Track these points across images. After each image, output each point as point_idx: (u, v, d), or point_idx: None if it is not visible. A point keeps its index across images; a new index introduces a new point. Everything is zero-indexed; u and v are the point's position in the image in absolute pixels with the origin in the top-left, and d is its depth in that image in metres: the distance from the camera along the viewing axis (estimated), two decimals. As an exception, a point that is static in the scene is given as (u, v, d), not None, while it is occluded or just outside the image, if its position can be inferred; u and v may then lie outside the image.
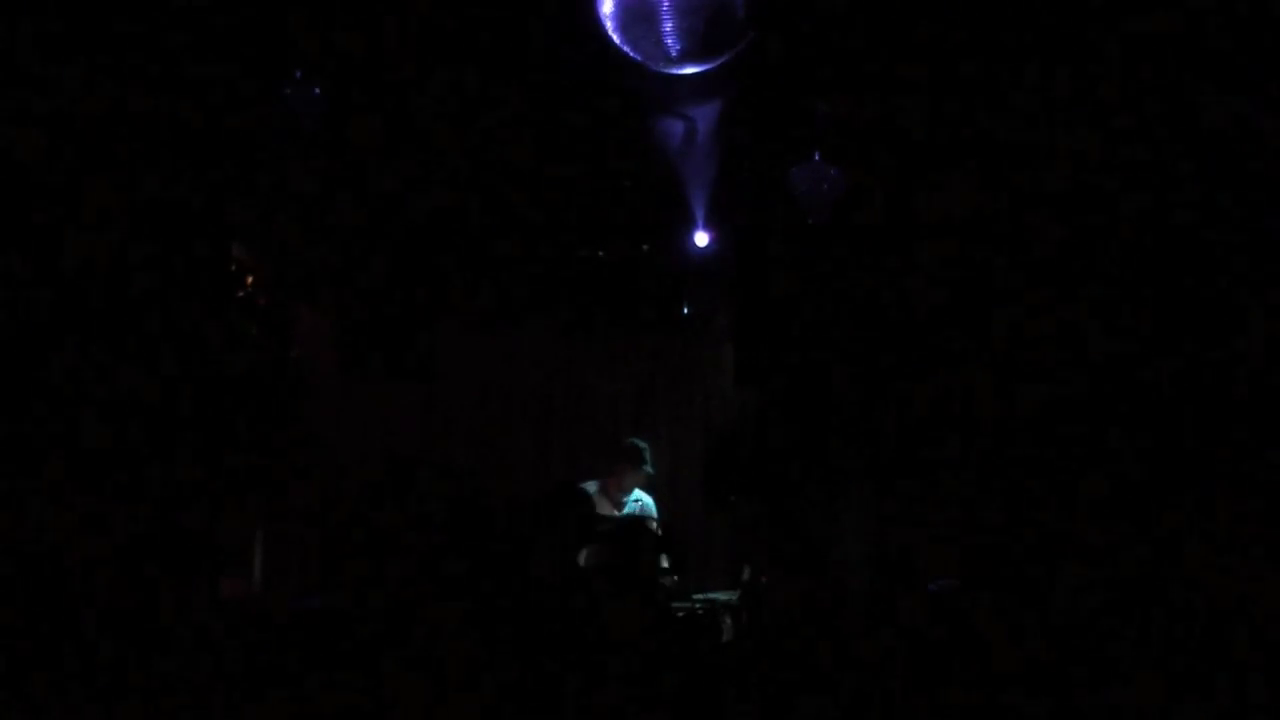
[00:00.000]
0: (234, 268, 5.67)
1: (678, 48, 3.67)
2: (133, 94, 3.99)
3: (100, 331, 3.76)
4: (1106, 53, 4.66)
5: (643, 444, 6.47)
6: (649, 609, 3.51)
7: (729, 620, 5.85)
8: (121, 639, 3.52)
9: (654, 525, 6.19)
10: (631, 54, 3.77)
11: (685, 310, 7.82)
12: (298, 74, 4.72)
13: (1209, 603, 4.37)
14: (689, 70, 3.84)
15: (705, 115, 5.83)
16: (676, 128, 6.01)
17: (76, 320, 3.70)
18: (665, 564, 5.74)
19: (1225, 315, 4.65)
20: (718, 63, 3.83)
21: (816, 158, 5.54)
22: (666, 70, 3.84)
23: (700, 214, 6.75)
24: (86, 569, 3.52)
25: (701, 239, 6.95)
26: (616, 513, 6.25)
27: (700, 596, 6.19)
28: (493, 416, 7.88)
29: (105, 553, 3.59)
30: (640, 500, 6.45)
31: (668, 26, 3.62)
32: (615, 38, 3.75)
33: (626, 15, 3.66)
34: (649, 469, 6.41)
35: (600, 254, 7.40)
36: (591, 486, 5.96)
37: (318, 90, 4.78)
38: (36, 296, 3.61)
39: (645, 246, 7.38)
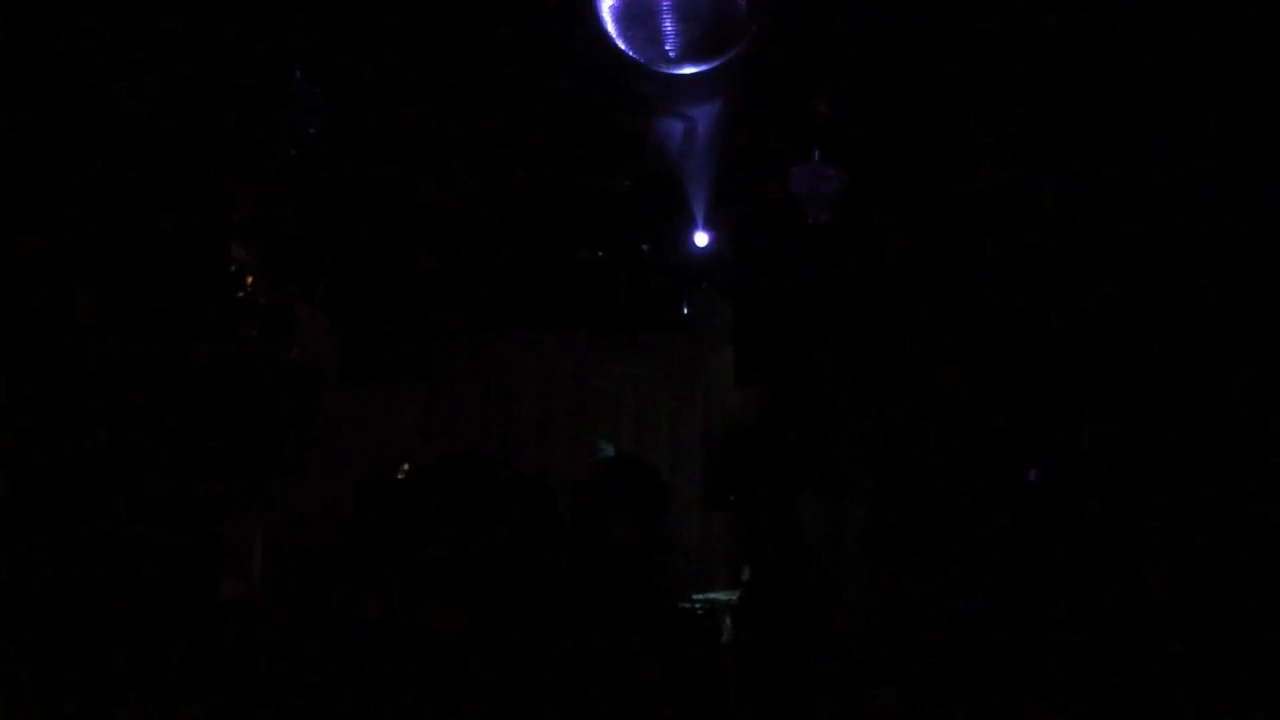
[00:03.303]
0: (234, 268, 5.67)
1: (678, 48, 3.66)
2: (132, 93, 3.99)
3: (99, 331, 3.76)
4: (1113, 54, 4.66)
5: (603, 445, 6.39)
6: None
7: (729, 620, 5.85)
8: (121, 640, 3.52)
9: None
10: (631, 54, 3.76)
11: (685, 310, 7.82)
12: (298, 74, 4.72)
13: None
14: (689, 70, 3.83)
15: (705, 115, 5.83)
16: (676, 128, 6.00)
17: (75, 320, 3.70)
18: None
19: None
20: (718, 63, 3.82)
21: (816, 158, 5.54)
22: (666, 70, 3.83)
23: (700, 214, 6.75)
24: (85, 570, 3.52)
25: (701, 239, 6.95)
26: None
27: (700, 596, 6.19)
28: (493, 416, 7.89)
29: (104, 553, 3.58)
30: None
31: (668, 27, 3.62)
32: (615, 37, 3.75)
33: (626, 15, 3.65)
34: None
35: (600, 254, 7.39)
36: None
37: (318, 90, 4.77)
38: (35, 297, 3.61)
39: (645, 246, 7.37)
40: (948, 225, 6.17)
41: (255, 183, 5.46)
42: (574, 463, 6.63)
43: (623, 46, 3.74)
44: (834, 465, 7.23)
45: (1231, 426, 4.53)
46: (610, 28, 3.70)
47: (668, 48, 3.67)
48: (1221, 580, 4.41)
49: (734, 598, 6.06)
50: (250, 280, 5.85)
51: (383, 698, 3.91)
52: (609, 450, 6.49)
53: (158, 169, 4.11)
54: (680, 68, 3.79)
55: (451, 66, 5.18)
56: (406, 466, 6.17)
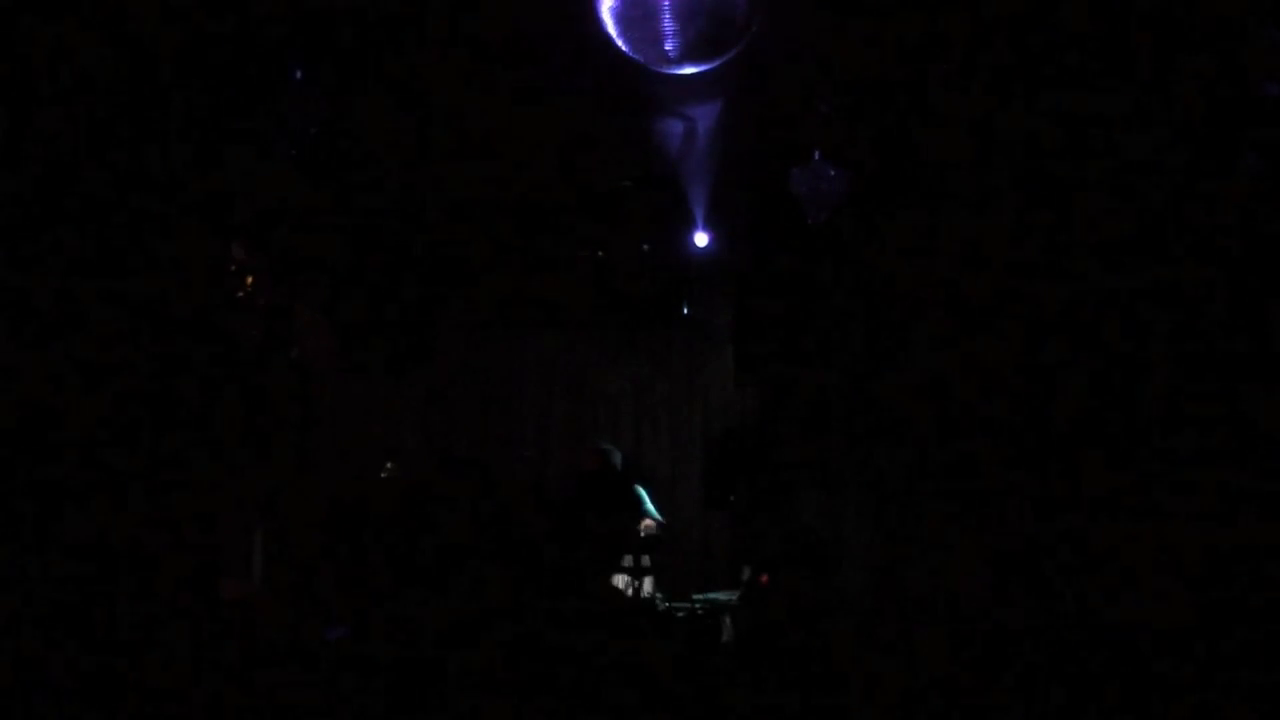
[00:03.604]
0: (234, 268, 5.67)
1: (678, 48, 3.67)
2: (132, 93, 3.99)
3: (99, 332, 3.76)
4: (1117, 51, 4.66)
5: (608, 448, 6.62)
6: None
7: (729, 620, 5.87)
8: (120, 640, 3.52)
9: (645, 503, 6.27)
10: (631, 54, 3.76)
11: (685, 310, 7.83)
12: (297, 74, 4.72)
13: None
14: (689, 70, 3.84)
15: (705, 115, 5.83)
16: (676, 128, 6.01)
17: (74, 320, 3.70)
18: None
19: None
20: (718, 63, 3.83)
21: (816, 158, 5.54)
22: (666, 70, 3.83)
23: (700, 214, 6.76)
24: (84, 570, 3.52)
25: (701, 239, 6.96)
26: None
27: (700, 596, 6.20)
28: (493, 417, 7.89)
29: (103, 554, 3.58)
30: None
31: (668, 27, 3.62)
32: (615, 37, 3.75)
33: (626, 15, 3.66)
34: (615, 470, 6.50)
35: (600, 254, 7.40)
36: None
37: (318, 90, 4.78)
38: (34, 297, 3.61)
39: (645, 246, 7.38)
40: (948, 225, 6.17)
41: (256, 182, 5.46)
42: (579, 462, 6.70)
43: (623, 46, 3.74)
44: (834, 465, 7.23)
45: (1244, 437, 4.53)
46: (610, 28, 3.70)
47: (668, 48, 3.67)
48: (1221, 580, 4.41)
49: (734, 598, 6.07)
50: (250, 280, 5.85)
51: (379, 695, 3.92)
52: (615, 453, 6.55)
53: (157, 168, 4.11)
54: (680, 68, 3.79)
55: (452, 67, 5.18)
56: (390, 465, 6.21)
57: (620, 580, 6.08)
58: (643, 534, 6.08)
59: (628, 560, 6.06)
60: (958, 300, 6.32)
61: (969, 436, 6.15)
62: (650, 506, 6.36)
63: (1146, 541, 4.73)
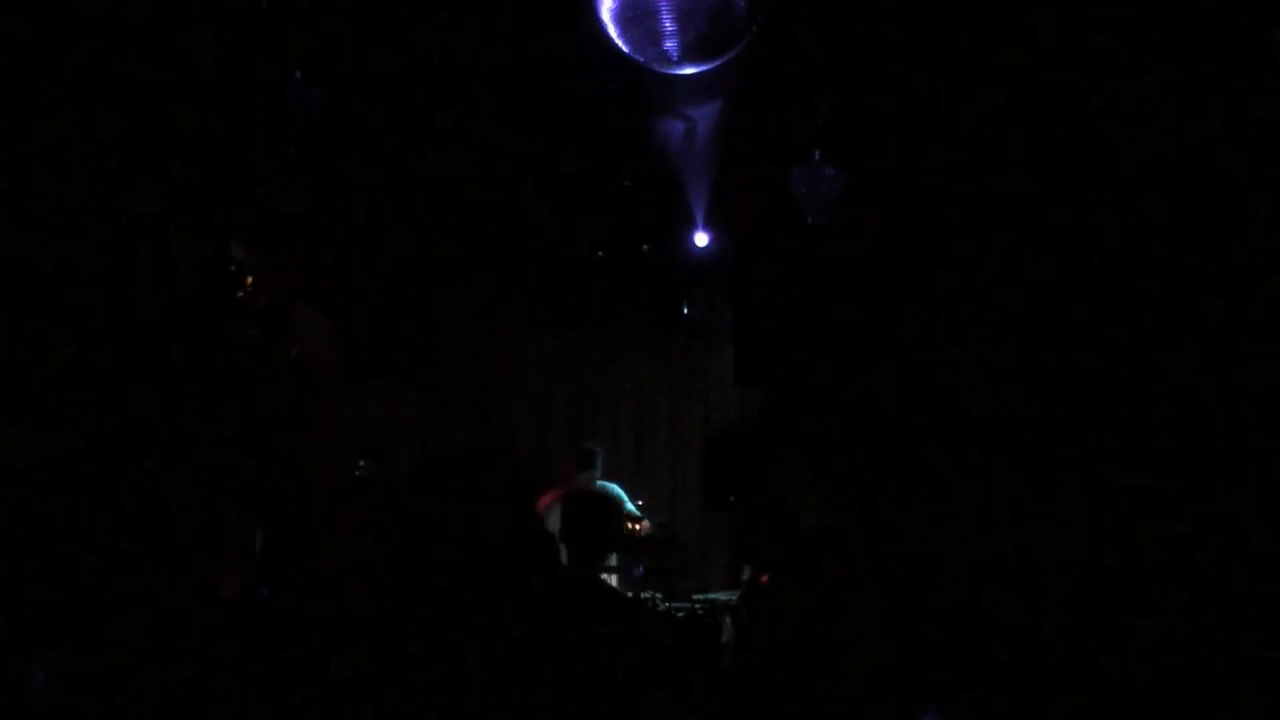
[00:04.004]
0: (234, 268, 5.67)
1: (678, 48, 3.67)
2: (133, 94, 3.99)
3: (100, 332, 3.77)
4: (1112, 51, 4.66)
5: (596, 449, 6.55)
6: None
7: (729, 620, 5.86)
8: (120, 639, 3.53)
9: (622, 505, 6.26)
10: (632, 54, 3.77)
11: (685, 310, 7.83)
12: (297, 74, 4.72)
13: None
14: (689, 70, 3.84)
15: (705, 115, 5.83)
16: (676, 128, 6.01)
17: (75, 321, 3.70)
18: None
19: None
20: (718, 63, 3.83)
21: (816, 158, 5.54)
22: (667, 70, 3.84)
23: (700, 214, 6.76)
24: (85, 569, 3.52)
25: (701, 239, 6.96)
26: None
27: (700, 596, 6.20)
28: (493, 417, 7.89)
29: (105, 552, 3.59)
30: (605, 486, 6.49)
31: (667, 26, 3.62)
32: (615, 37, 3.75)
33: (626, 15, 3.66)
34: (596, 474, 6.45)
35: (600, 254, 7.40)
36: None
37: (318, 90, 4.78)
38: (35, 298, 3.62)
39: (645, 246, 7.38)
40: (949, 225, 6.18)
41: (255, 182, 5.46)
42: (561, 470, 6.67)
43: (623, 46, 3.75)
44: (834, 465, 7.23)
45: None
46: (610, 28, 3.71)
47: (667, 47, 3.67)
48: (1221, 585, 4.41)
49: (734, 598, 6.07)
50: (250, 280, 5.85)
51: (375, 695, 3.92)
52: (596, 455, 6.53)
53: (158, 169, 4.11)
54: (680, 68, 3.79)
55: (452, 68, 5.19)
56: (363, 463, 6.21)
57: (615, 581, 6.07)
58: (642, 534, 6.08)
59: (624, 561, 6.06)
60: (959, 300, 6.32)
61: (970, 438, 6.16)
62: (630, 506, 6.35)
63: (1153, 548, 4.73)
